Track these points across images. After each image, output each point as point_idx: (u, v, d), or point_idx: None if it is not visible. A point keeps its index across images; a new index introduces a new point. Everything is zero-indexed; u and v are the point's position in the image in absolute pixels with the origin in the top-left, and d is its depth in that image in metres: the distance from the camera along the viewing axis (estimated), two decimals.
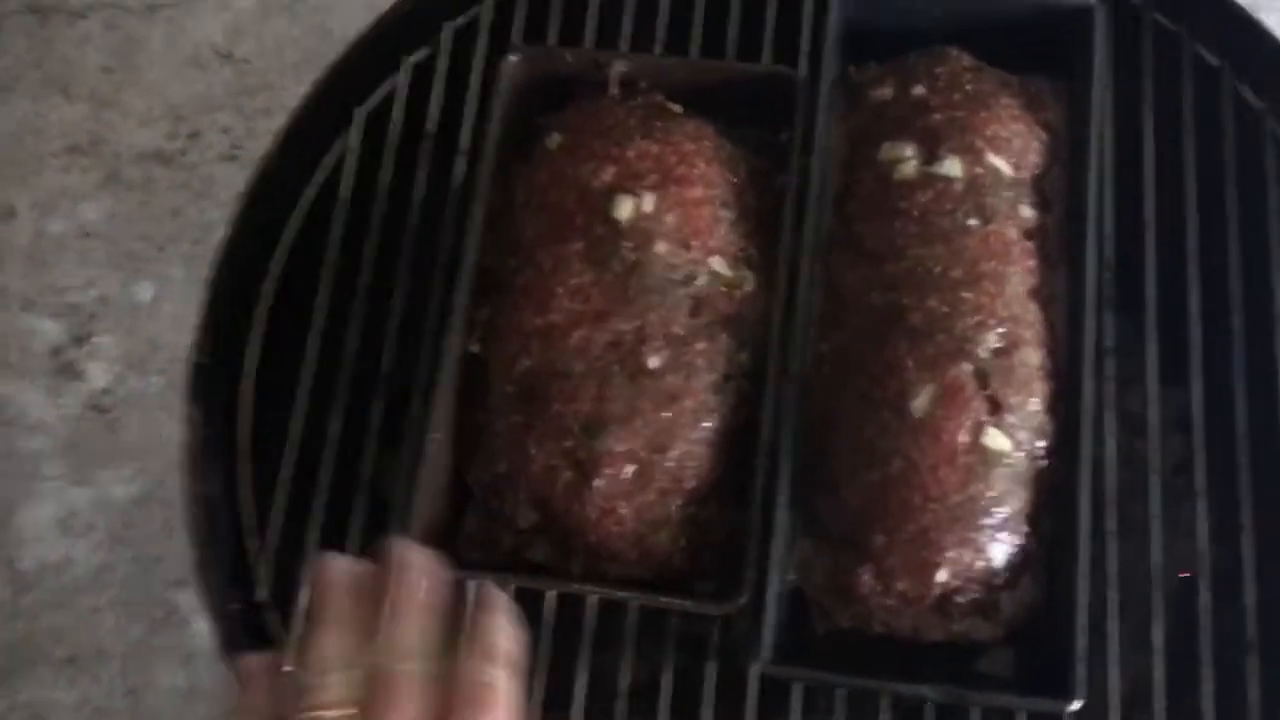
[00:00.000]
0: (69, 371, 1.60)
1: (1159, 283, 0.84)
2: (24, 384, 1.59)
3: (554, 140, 0.84)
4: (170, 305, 1.61)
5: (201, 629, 1.44)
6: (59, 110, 1.73)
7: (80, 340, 1.61)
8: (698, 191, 0.80)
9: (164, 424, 1.57)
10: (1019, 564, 0.73)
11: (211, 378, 0.87)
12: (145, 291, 1.63)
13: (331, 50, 1.83)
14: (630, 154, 0.80)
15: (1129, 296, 0.84)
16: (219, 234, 1.61)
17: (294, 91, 1.71)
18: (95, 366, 1.60)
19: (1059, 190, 0.81)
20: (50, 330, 1.61)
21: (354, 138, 0.93)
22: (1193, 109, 0.89)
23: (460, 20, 0.96)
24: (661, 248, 0.78)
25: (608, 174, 0.80)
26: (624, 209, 0.79)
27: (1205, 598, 0.78)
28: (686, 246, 0.79)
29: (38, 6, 1.80)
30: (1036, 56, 0.85)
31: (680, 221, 0.79)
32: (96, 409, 1.58)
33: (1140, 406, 0.82)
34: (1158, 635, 0.76)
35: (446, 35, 0.95)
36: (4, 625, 1.48)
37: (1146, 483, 0.80)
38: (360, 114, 0.94)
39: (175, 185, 1.68)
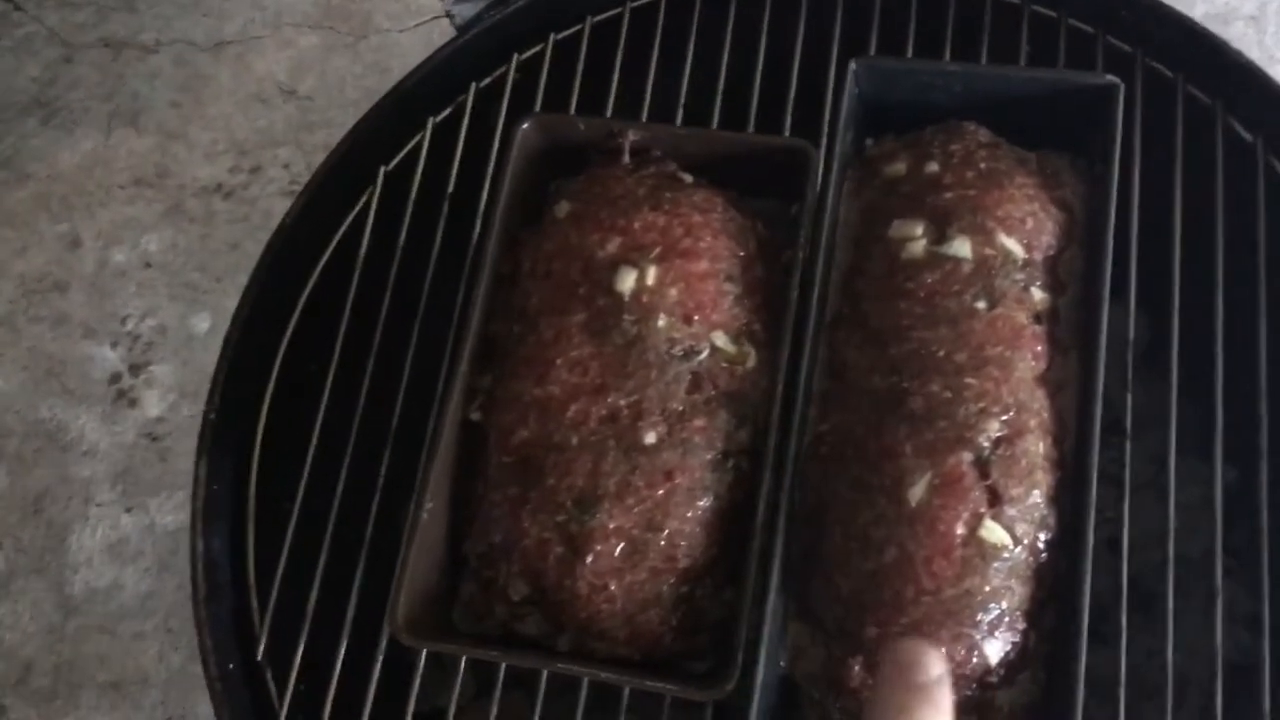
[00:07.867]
0: (125, 399, 1.63)
1: (1181, 362, 0.81)
2: (81, 410, 1.62)
3: (562, 209, 0.83)
4: None
5: None
6: (128, 143, 1.76)
7: (137, 369, 1.64)
8: (702, 265, 0.78)
9: None
10: (1016, 661, 0.71)
11: (223, 432, 0.88)
12: (202, 323, 1.65)
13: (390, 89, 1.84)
14: (636, 225, 0.79)
15: (1154, 375, 0.81)
16: None
17: None
18: (150, 395, 1.63)
19: (1074, 271, 0.78)
20: (109, 358, 1.65)
21: (376, 197, 0.93)
22: (1224, 183, 0.86)
23: (486, 81, 0.96)
24: (663, 321, 0.77)
25: (612, 245, 0.79)
26: (626, 281, 0.78)
27: (1221, 698, 0.75)
28: (688, 320, 0.78)
29: (111, 40, 1.84)
30: (1058, 133, 0.83)
31: (683, 295, 0.78)
32: (150, 437, 1.61)
33: (1164, 486, 0.79)
34: None
35: (471, 96, 0.95)
36: (51, 648, 1.50)
37: (1165, 572, 0.77)
38: (383, 173, 0.94)
39: (235, 219, 1.70)
